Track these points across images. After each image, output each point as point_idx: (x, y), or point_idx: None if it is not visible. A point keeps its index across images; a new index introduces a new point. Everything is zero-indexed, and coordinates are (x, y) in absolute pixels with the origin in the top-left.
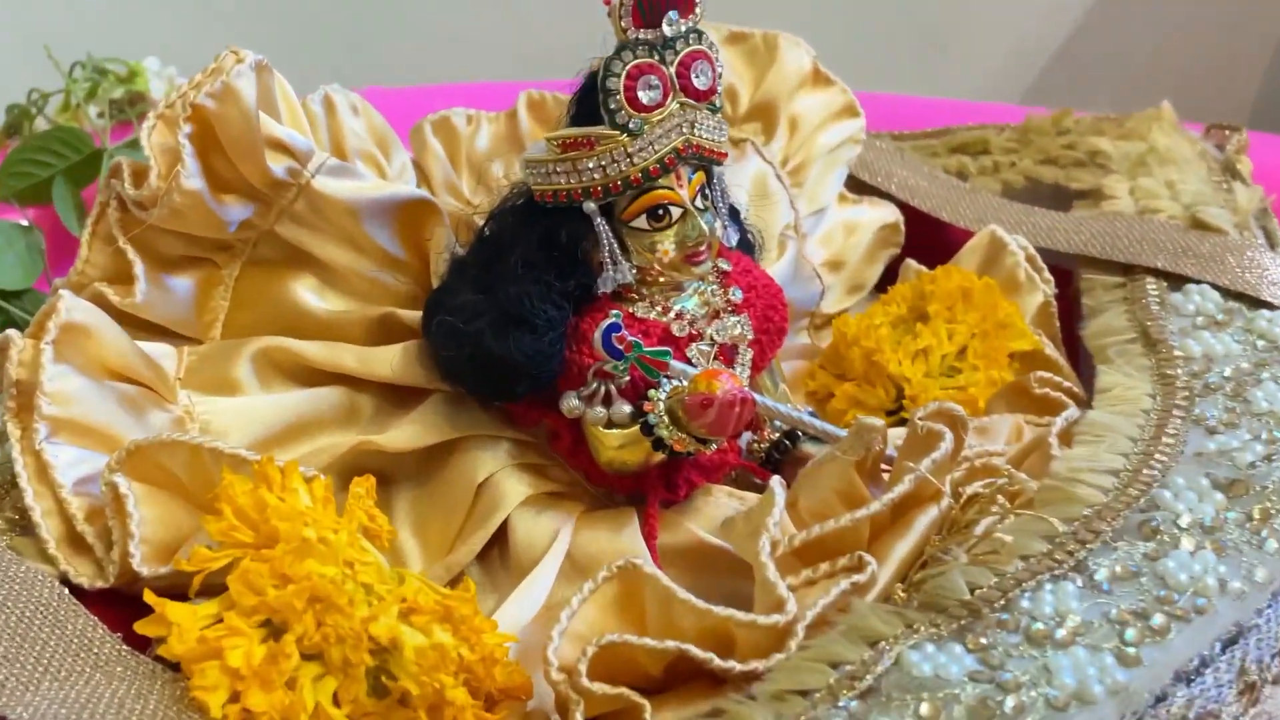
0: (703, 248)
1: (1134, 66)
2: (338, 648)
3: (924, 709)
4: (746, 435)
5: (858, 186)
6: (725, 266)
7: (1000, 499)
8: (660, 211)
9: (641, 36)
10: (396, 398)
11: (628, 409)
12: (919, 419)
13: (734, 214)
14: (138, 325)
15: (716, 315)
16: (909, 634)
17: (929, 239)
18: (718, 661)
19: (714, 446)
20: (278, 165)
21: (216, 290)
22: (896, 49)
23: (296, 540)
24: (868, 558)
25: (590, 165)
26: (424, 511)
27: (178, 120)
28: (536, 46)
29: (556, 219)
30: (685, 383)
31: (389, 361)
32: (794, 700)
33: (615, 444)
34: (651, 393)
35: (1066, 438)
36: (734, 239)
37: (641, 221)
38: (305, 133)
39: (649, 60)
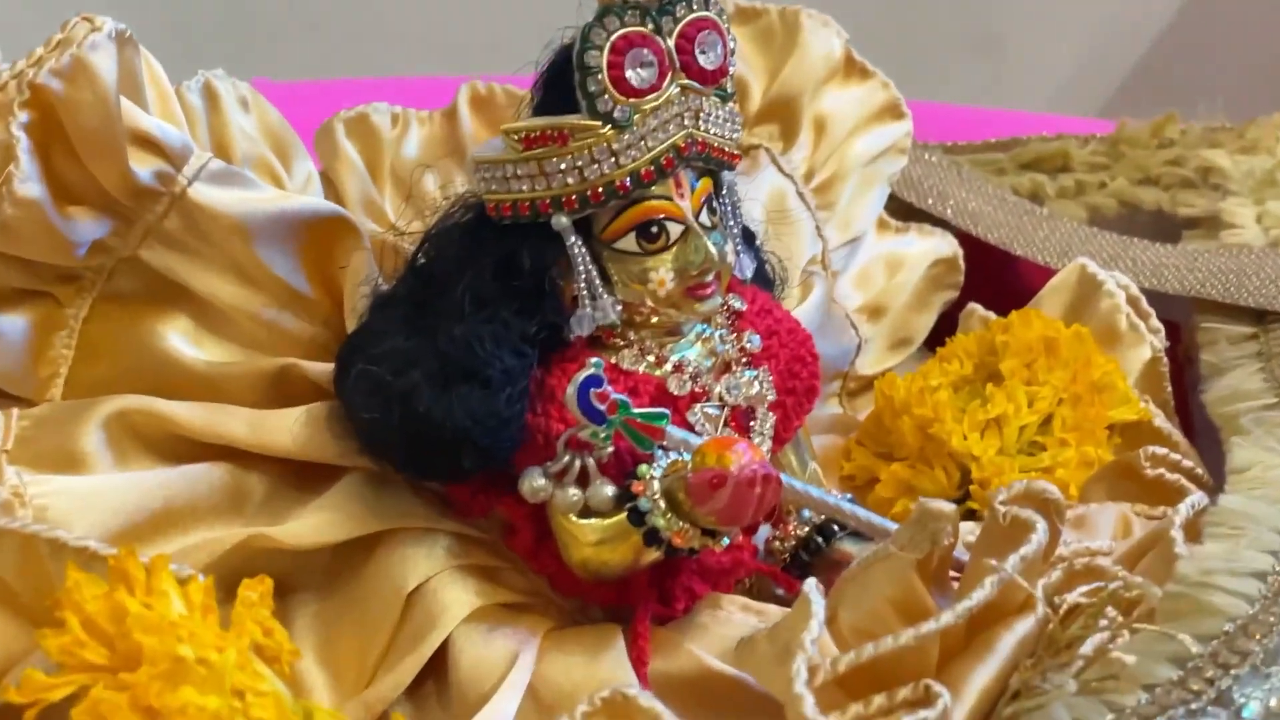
0: (709, 278)
1: (1245, 70)
2: None
3: None
4: (764, 530)
5: (903, 211)
6: (738, 305)
7: (1111, 610)
8: (654, 229)
9: None
10: (299, 477)
11: (610, 491)
12: (1000, 503)
13: (749, 237)
14: None
15: (727, 368)
16: None
17: (996, 279)
18: None
19: (725, 541)
20: (144, 168)
21: (57, 335)
22: (940, 48)
23: (167, 661)
24: (937, 687)
25: (562, 167)
26: (335, 630)
27: (10, 106)
28: (477, 35)
29: (516, 239)
30: (688, 455)
31: (288, 429)
32: None
33: (593, 538)
34: (642, 469)
35: (1193, 531)
36: (749, 269)
37: (630, 242)
38: (180, 126)
39: (641, 30)
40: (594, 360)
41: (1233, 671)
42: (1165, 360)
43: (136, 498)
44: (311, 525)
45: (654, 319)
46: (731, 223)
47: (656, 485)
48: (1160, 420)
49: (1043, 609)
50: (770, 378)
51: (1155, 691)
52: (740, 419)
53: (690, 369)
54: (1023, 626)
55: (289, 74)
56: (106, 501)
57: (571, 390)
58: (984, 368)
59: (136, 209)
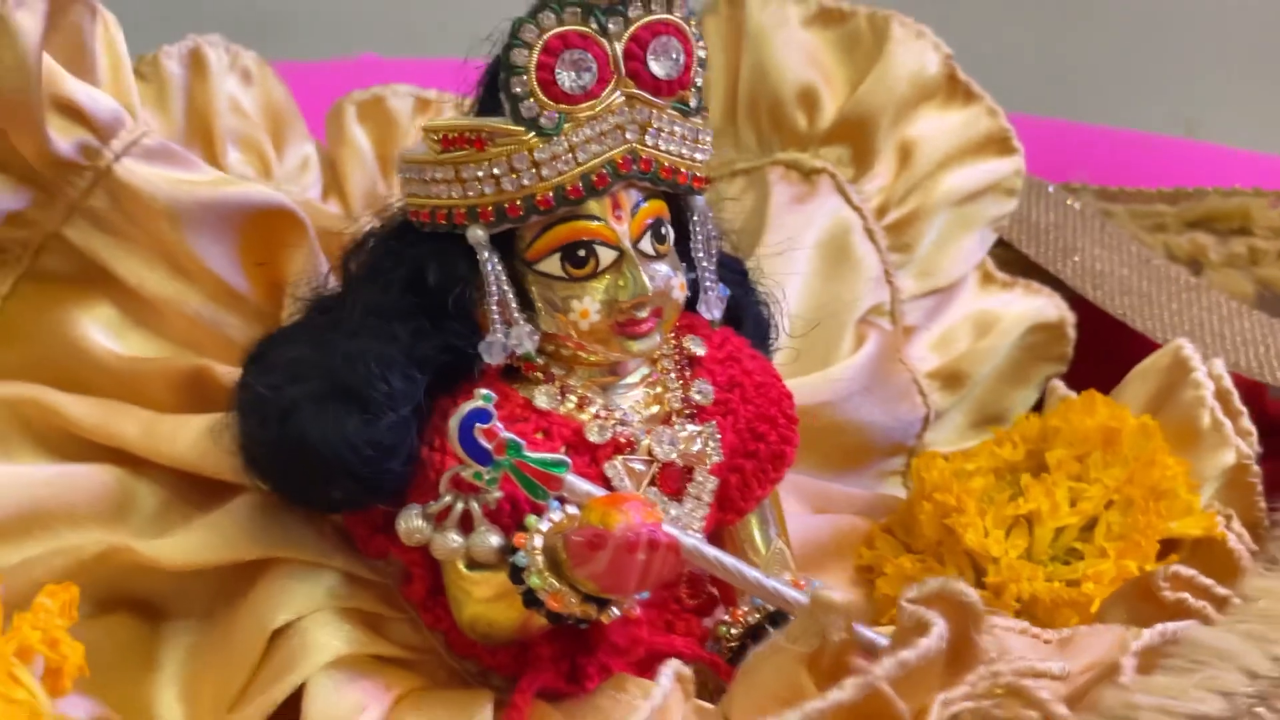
0: (643, 314)
1: None
2: None
3: None
4: (720, 614)
5: (1022, 265)
6: (696, 350)
7: None
8: (581, 252)
9: None
10: (196, 492)
11: (496, 541)
12: (908, 601)
13: (735, 273)
14: None
15: (667, 419)
16: None
17: (1121, 357)
18: None
19: (614, 611)
20: (66, 139)
21: None
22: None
23: None
24: None
25: (479, 174)
26: (201, 663)
27: None
28: None
29: (429, 249)
30: None
31: (187, 437)
32: None
33: (483, 594)
34: (530, 520)
35: (1151, 660)
36: (718, 309)
37: (553, 265)
38: (131, 98)
39: (581, 29)
40: (483, 392)
41: None
42: (1258, 470)
43: (3, 493)
44: (185, 545)
45: (582, 354)
46: (701, 254)
47: (538, 540)
48: (1236, 541)
49: None
50: (718, 436)
51: None
52: (674, 479)
53: (618, 415)
54: None
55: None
56: None
57: (453, 423)
58: (1035, 456)
59: (58, 181)
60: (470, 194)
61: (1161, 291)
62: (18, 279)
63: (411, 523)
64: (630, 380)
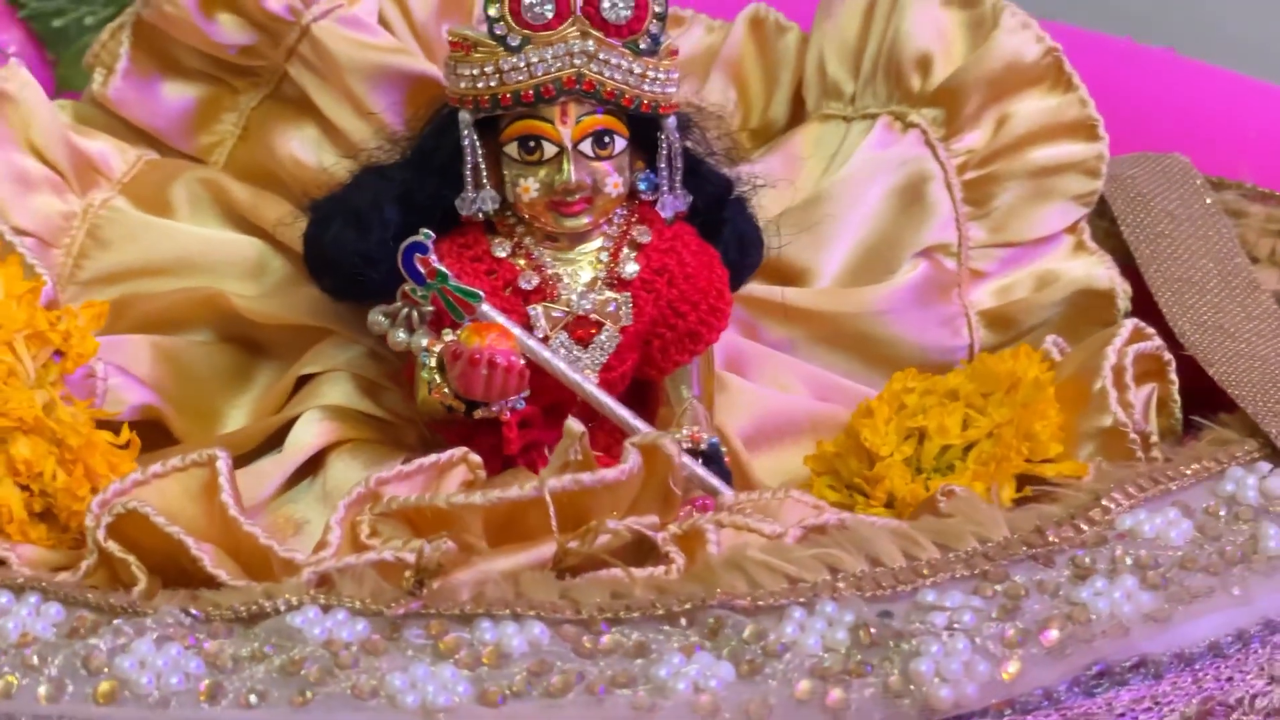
0: (573, 199)
1: None
2: None
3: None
4: None
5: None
6: (641, 237)
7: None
8: (531, 143)
9: None
10: None
11: (424, 342)
12: (629, 443)
13: (720, 188)
14: (123, 124)
15: (594, 284)
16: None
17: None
18: (222, 577)
19: (479, 411)
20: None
21: (227, 114)
22: None
23: None
24: (447, 547)
25: (466, 72)
26: (266, 391)
27: None
28: None
29: (440, 123)
30: None
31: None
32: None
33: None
34: (445, 331)
35: (813, 534)
36: (669, 209)
37: (514, 149)
38: None
39: None
40: (425, 231)
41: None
42: (1134, 437)
43: (174, 243)
44: (266, 304)
45: (536, 224)
46: (663, 166)
47: (438, 347)
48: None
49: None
50: (632, 305)
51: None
52: (584, 329)
53: (550, 272)
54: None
55: None
56: (149, 238)
57: (401, 248)
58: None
59: (278, 30)
60: (461, 85)
61: (1212, 281)
62: (264, 97)
63: (374, 317)
64: (583, 249)
